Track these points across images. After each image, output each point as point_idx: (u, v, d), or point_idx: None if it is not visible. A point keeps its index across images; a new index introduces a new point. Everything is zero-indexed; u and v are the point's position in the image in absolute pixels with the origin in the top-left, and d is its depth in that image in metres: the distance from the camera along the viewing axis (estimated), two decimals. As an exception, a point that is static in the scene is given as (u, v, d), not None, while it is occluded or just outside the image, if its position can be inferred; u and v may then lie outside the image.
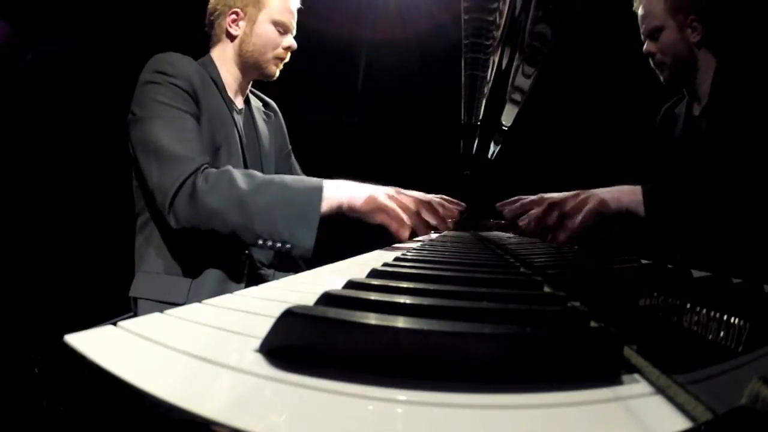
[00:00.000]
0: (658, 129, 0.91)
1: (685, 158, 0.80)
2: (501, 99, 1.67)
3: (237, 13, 1.20)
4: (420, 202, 1.04)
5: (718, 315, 0.25)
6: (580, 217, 0.86)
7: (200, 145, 1.03)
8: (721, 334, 0.24)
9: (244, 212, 0.94)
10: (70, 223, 1.90)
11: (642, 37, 0.88)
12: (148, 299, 1.04)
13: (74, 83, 1.91)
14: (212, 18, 1.23)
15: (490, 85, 1.71)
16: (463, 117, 2.40)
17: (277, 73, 1.26)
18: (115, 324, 0.29)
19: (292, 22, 1.25)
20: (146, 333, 0.28)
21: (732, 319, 0.24)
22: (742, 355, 0.22)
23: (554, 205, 0.96)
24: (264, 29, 1.21)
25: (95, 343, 0.25)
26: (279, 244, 0.95)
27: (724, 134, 0.67)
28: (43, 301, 1.71)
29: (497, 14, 1.43)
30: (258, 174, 1.01)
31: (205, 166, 0.98)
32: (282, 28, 1.22)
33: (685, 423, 0.20)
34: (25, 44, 1.87)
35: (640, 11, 0.88)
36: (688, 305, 0.28)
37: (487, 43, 1.59)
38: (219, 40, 1.23)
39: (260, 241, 0.95)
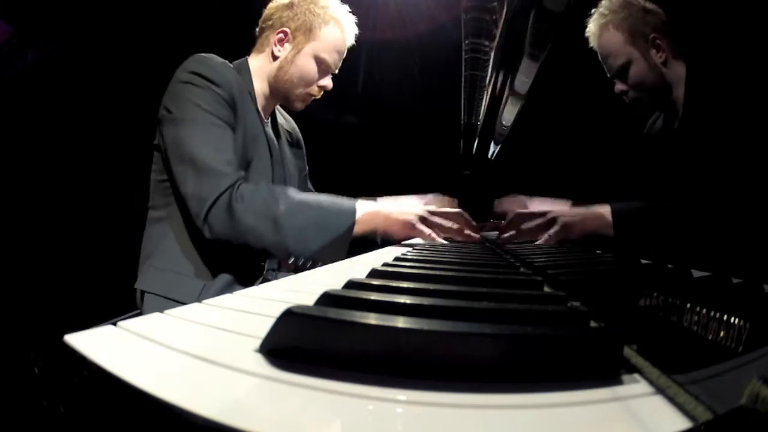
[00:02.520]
0: (643, 143, 0.91)
1: (668, 172, 0.80)
2: (501, 99, 1.67)
3: (285, 33, 1.14)
4: (452, 219, 1.10)
5: (718, 315, 0.25)
6: (543, 240, 0.96)
7: (236, 158, 1.02)
8: (721, 334, 0.24)
9: (278, 231, 0.96)
10: (70, 223, 1.91)
11: (608, 74, 0.87)
12: (156, 294, 1.03)
13: (74, 83, 1.91)
14: (264, 25, 1.18)
15: (490, 84, 1.71)
16: (463, 117, 2.40)
17: (302, 108, 1.22)
18: (115, 324, 0.29)
19: (336, 62, 1.20)
20: (146, 333, 0.28)
21: (732, 319, 0.24)
22: (742, 355, 0.22)
23: (522, 218, 1.03)
24: (305, 62, 1.15)
25: (95, 343, 0.25)
26: (310, 262, 0.98)
27: (704, 144, 0.67)
28: (43, 301, 1.71)
29: (497, 14, 1.43)
30: (293, 193, 1.02)
31: (240, 181, 0.99)
32: (324, 67, 1.17)
33: (685, 423, 0.20)
34: (25, 44, 1.87)
35: (599, 51, 0.87)
36: (688, 305, 0.28)
37: (487, 42, 1.59)
38: (261, 52, 1.18)
39: (291, 258, 0.98)
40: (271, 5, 1.18)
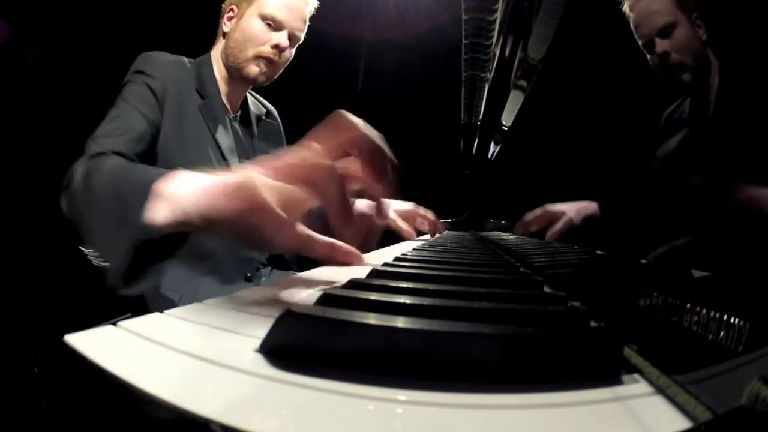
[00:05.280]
0: (662, 134, 0.90)
1: (697, 166, 0.79)
2: (501, 99, 1.67)
3: (232, 10, 1.13)
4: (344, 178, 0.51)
5: (718, 315, 0.25)
6: (556, 230, 0.98)
7: (122, 144, 0.90)
8: (721, 334, 0.24)
9: (86, 194, 0.71)
10: (71, 223, 1.90)
11: (640, 40, 0.85)
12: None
13: (74, 83, 1.91)
14: (219, 18, 1.18)
15: (489, 83, 1.71)
16: (463, 117, 2.40)
17: (261, 77, 1.12)
18: (115, 324, 0.29)
19: (288, 17, 1.11)
20: (146, 333, 0.28)
21: (732, 319, 0.24)
22: (742, 355, 0.22)
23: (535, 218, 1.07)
24: (248, 22, 1.09)
25: (95, 343, 0.25)
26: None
27: (738, 139, 0.66)
28: (43, 301, 1.71)
29: (497, 13, 1.43)
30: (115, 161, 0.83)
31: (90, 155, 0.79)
32: (273, 23, 1.10)
33: (685, 423, 0.20)
34: (25, 44, 1.87)
35: (636, 11, 0.86)
36: (688, 305, 0.28)
37: (487, 42, 1.60)
38: (217, 39, 1.18)
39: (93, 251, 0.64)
40: None
